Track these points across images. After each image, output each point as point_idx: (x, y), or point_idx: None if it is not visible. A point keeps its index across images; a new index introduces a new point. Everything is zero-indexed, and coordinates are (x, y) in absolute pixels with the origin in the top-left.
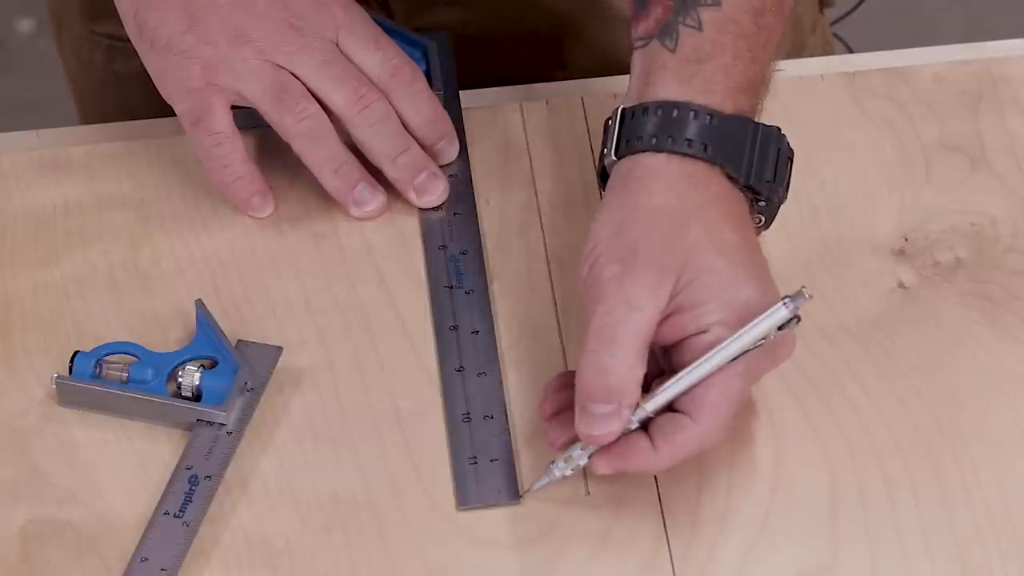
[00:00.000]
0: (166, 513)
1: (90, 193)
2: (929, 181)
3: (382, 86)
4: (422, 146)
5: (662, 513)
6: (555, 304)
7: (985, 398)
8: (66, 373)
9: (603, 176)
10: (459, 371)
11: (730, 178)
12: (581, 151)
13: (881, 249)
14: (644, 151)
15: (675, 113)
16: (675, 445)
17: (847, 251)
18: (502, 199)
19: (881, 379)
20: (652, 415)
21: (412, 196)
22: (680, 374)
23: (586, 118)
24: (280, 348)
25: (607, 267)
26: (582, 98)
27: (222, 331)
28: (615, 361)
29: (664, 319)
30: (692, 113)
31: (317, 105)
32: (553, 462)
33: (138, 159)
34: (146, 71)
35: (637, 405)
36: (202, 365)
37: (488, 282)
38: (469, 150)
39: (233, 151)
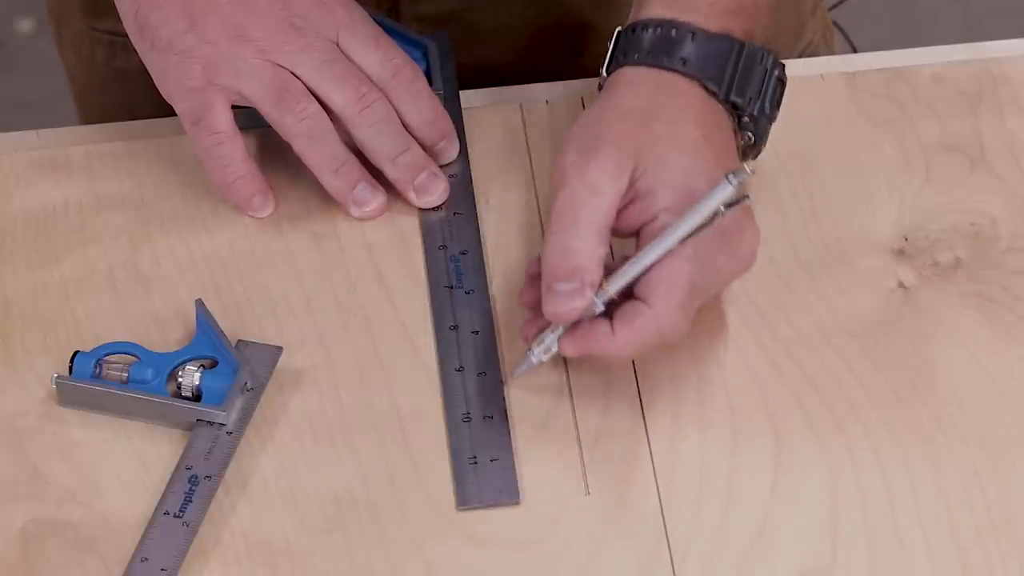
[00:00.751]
0: (166, 513)
1: (90, 193)
2: (929, 181)
3: (382, 86)
4: (422, 146)
5: (662, 513)
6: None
7: (985, 398)
8: (66, 373)
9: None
10: (459, 371)
11: (711, 93)
12: None
13: (881, 249)
14: (628, 65)
15: (659, 31)
16: (632, 329)
17: (847, 251)
18: (502, 199)
19: (881, 379)
20: (615, 296)
21: (412, 196)
22: (635, 256)
23: None
24: (280, 348)
25: (571, 155)
26: (582, 98)
27: (222, 331)
28: (578, 241)
29: (623, 208)
30: (674, 31)
31: (317, 105)
32: (529, 349)
33: (138, 159)
34: (147, 68)
35: (600, 287)
36: (202, 365)
37: (488, 282)
38: (469, 150)
39: (234, 150)
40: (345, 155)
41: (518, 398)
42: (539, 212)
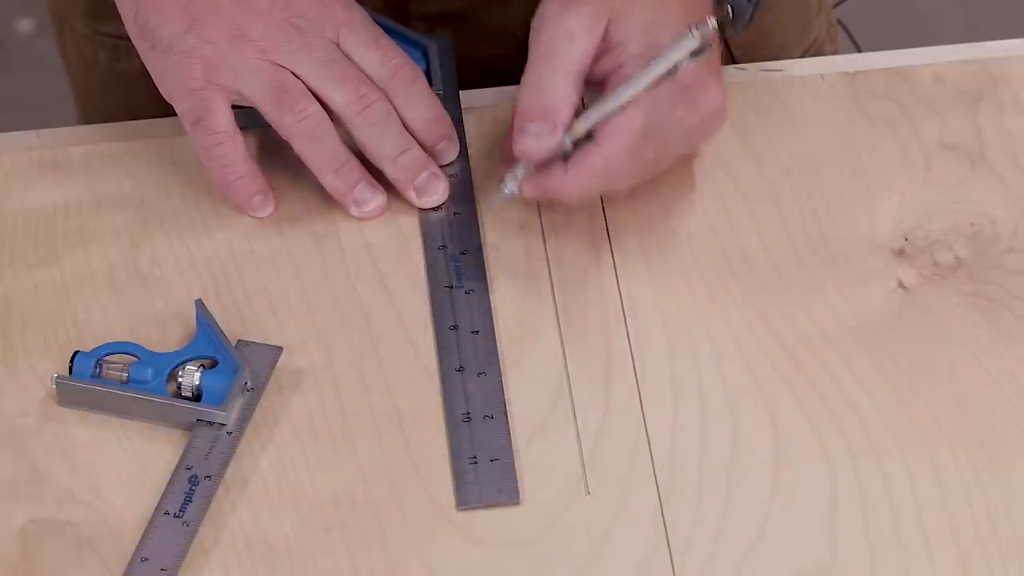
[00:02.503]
0: (166, 513)
1: (90, 193)
2: (929, 181)
3: (382, 86)
4: (423, 146)
5: (662, 513)
6: (555, 304)
7: (985, 398)
8: (66, 373)
9: None
10: (459, 371)
11: None
12: None
13: (881, 249)
14: None
15: None
16: (581, 168)
17: (847, 251)
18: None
19: (881, 379)
20: (582, 135)
21: (412, 196)
22: (599, 100)
23: None
24: (280, 348)
25: (550, 6)
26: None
27: (222, 331)
28: (553, 85)
29: (595, 59)
30: None
31: (317, 105)
32: (501, 180)
33: (138, 159)
34: (148, 69)
35: (568, 129)
36: (202, 365)
37: (488, 282)
38: (469, 150)
39: (234, 150)
40: (345, 155)
41: (518, 398)
42: (539, 212)
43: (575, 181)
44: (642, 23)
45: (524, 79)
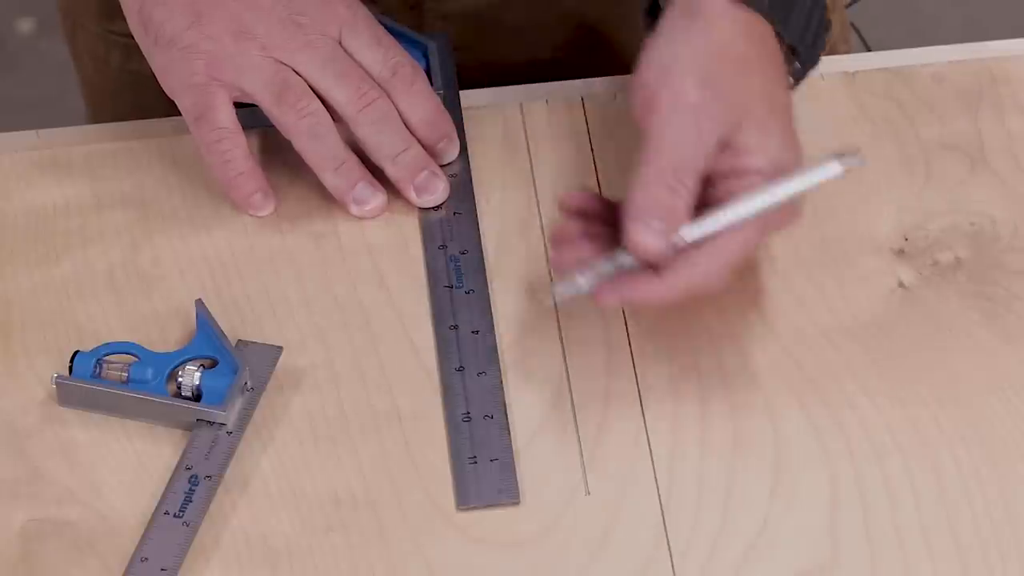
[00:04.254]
0: (166, 513)
1: (90, 193)
2: (929, 181)
3: (383, 85)
4: (423, 145)
5: (662, 513)
6: (555, 304)
7: (985, 398)
8: (66, 373)
9: (651, 11)
10: (459, 371)
11: (778, 36)
12: (581, 151)
13: (881, 249)
14: None
15: None
16: (678, 279)
17: (847, 251)
18: (502, 199)
19: (881, 379)
20: (687, 243)
21: (412, 195)
22: (722, 209)
23: (586, 118)
24: (280, 348)
25: (687, 89)
26: (582, 98)
27: (222, 331)
28: (680, 185)
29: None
30: None
31: (319, 102)
32: (580, 272)
33: (138, 159)
34: (150, 65)
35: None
36: (202, 365)
37: (488, 282)
38: (469, 150)
39: (235, 147)
40: (345, 154)
41: (518, 398)
42: (539, 212)
43: (669, 292)
44: (771, 135)
45: (648, 167)
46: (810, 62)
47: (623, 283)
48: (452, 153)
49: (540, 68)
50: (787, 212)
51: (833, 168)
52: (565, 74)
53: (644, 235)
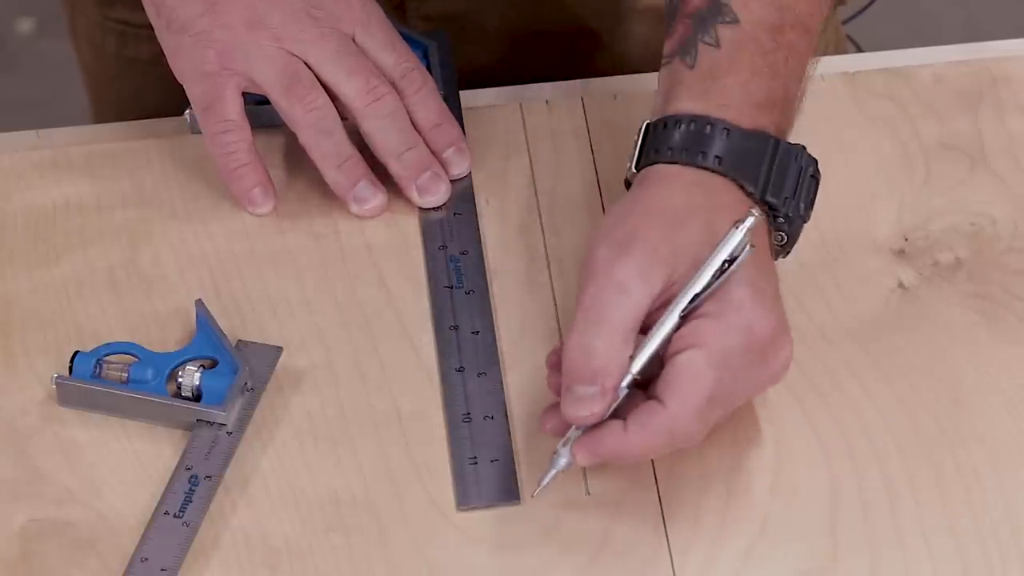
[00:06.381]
0: (166, 513)
1: (90, 193)
2: (929, 181)
3: (393, 86)
4: (431, 151)
5: (662, 513)
6: (555, 304)
7: (985, 398)
8: (66, 373)
9: (628, 187)
10: (459, 371)
11: (748, 193)
12: (581, 151)
13: (881, 249)
14: (660, 162)
15: (691, 127)
16: (644, 427)
17: (847, 251)
18: (502, 199)
19: (881, 379)
20: (639, 376)
21: (414, 195)
22: (652, 330)
23: (586, 118)
24: (280, 348)
25: (601, 250)
26: (582, 98)
27: (222, 331)
28: (600, 343)
29: (655, 311)
30: (707, 127)
31: (326, 97)
32: (555, 452)
33: (138, 159)
34: (158, 57)
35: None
36: (202, 365)
37: (488, 282)
38: (469, 150)
39: (240, 139)
40: (350, 151)
41: (518, 398)
42: (539, 212)
43: (638, 442)
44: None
45: (572, 333)
46: (794, 211)
47: (592, 437)
48: (461, 164)
49: (516, 72)
50: (772, 361)
51: (733, 236)
52: (540, 79)
53: (573, 407)
